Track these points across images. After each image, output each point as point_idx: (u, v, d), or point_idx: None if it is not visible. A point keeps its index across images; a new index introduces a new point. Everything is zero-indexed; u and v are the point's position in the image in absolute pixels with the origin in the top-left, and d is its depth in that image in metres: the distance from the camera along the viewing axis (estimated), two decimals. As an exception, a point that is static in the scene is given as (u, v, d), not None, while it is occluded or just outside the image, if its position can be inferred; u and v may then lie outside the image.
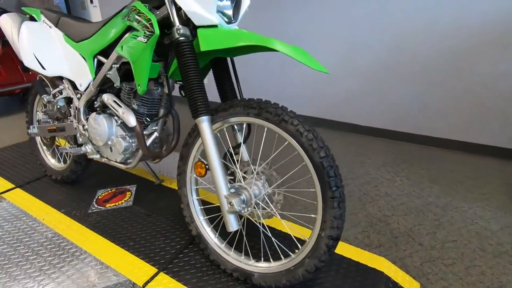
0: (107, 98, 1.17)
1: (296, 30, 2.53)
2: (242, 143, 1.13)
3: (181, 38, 0.93)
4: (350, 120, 2.57)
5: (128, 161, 1.27)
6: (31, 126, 1.57)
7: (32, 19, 1.45)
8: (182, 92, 1.19)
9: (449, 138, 2.23)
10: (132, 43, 1.01)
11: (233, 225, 0.94)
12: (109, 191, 1.62)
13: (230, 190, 0.99)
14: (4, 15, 1.42)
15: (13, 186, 1.69)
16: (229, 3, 0.97)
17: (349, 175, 1.94)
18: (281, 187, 1.04)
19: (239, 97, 1.14)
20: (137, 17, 0.99)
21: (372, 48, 2.29)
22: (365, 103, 2.46)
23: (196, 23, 0.93)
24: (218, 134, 1.10)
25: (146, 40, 0.97)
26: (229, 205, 0.93)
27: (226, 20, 0.97)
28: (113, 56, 1.11)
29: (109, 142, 1.22)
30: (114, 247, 1.23)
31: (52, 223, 1.38)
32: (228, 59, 1.12)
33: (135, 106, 1.16)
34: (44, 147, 1.71)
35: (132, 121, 1.11)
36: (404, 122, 2.36)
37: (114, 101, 1.15)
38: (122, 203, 1.52)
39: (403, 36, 2.16)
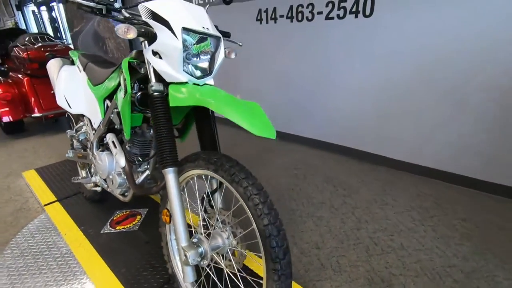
0: (109, 137, 1.30)
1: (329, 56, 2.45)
2: (209, 192, 1.13)
3: (154, 94, 1.00)
4: (380, 152, 2.36)
5: (125, 194, 1.39)
6: (69, 150, 1.84)
7: (73, 62, 1.71)
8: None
9: (505, 184, 1.87)
10: (119, 95, 1.12)
11: (188, 277, 0.95)
12: (124, 213, 1.79)
13: (193, 240, 1.01)
14: (51, 60, 1.71)
15: (55, 199, 1.98)
16: (205, 57, 1.00)
17: (364, 217, 1.77)
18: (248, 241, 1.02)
19: (218, 148, 1.16)
20: (121, 74, 1.10)
21: (407, 70, 2.08)
22: (399, 134, 2.23)
23: (167, 80, 0.99)
24: (192, 181, 1.13)
25: (124, 95, 1.07)
26: (184, 257, 0.94)
27: (199, 74, 1.01)
28: (113, 102, 1.24)
29: (110, 177, 1.36)
30: (109, 273, 1.34)
31: (70, 239, 1.58)
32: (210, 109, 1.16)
33: (128, 147, 1.27)
34: (79, 168, 1.97)
35: (121, 162, 1.22)
36: (449, 161, 2.06)
37: (113, 142, 1.28)
38: (130, 226, 1.66)
39: (431, 63, 1.91)
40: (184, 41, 0.92)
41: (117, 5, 0.96)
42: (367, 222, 1.73)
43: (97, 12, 0.96)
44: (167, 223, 1.09)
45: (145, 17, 0.94)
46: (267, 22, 2.70)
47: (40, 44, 3.36)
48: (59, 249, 1.51)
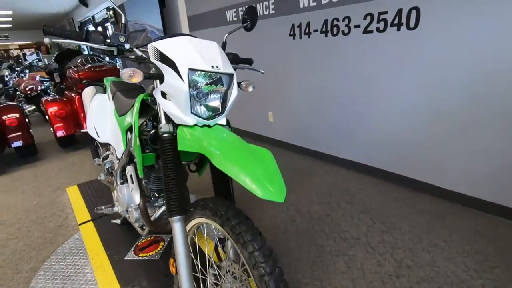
0: (128, 170, 1.30)
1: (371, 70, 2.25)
2: (218, 240, 1.04)
3: (164, 135, 0.95)
4: (427, 179, 2.07)
5: (143, 227, 1.37)
6: (101, 173, 1.90)
7: (105, 90, 1.78)
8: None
9: None
10: (133, 134, 1.10)
11: None
12: (148, 238, 1.79)
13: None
14: (86, 89, 1.79)
15: (89, 218, 2.07)
16: (216, 96, 0.93)
17: (405, 260, 1.54)
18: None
19: (232, 194, 1.08)
20: (134, 111, 1.08)
21: (458, 90, 1.80)
22: (450, 159, 1.93)
23: (176, 122, 0.93)
24: (202, 227, 1.06)
25: (134, 136, 1.04)
26: None
27: (209, 115, 0.93)
28: (132, 135, 1.23)
29: (129, 209, 1.35)
30: (125, 306, 1.33)
31: (96, 264, 1.61)
32: None
33: (144, 183, 1.24)
34: (112, 192, 2.04)
35: (136, 199, 1.19)
36: None
37: (131, 176, 1.27)
38: (152, 254, 1.64)
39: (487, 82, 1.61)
40: (192, 82, 0.86)
41: (127, 45, 0.94)
42: (409, 267, 1.50)
43: (109, 54, 0.95)
44: (173, 273, 1.03)
45: (153, 58, 0.90)
46: (300, 37, 2.58)
47: (89, 65, 3.64)
48: (85, 275, 1.54)
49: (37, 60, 7.27)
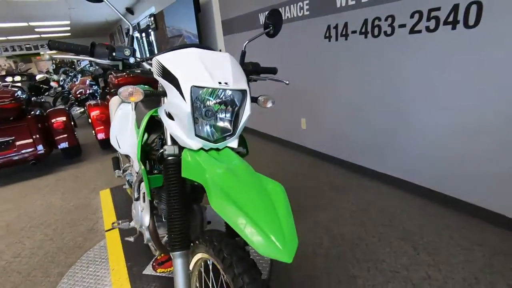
0: (142, 187, 1.24)
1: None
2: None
3: (169, 158, 0.85)
4: (486, 204, 1.74)
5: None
6: (126, 182, 1.90)
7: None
8: None
9: None
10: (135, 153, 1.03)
11: None
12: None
13: None
14: (113, 98, 1.79)
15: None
16: (226, 115, 0.81)
17: (457, 307, 1.28)
18: None
19: None
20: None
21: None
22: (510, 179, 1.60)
23: (180, 144, 0.83)
24: (209, 261, 0.94)
25: (137, 154, 0.96)
26: None
27: (218, 136, 0.82)
28: (134, 154, 1.17)
29: (142, 227, 1.29)
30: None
31: (115, 277, 1.59)
32: None
33: (155, 203, 1.17)
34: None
35: (145, 220, 1.12)
36: None
37: (143, 194, 1.20)
38: (169, 271, 1.58)
39: None
40: (196, 101, 0.75)
41: (132, 59, 0.86)
42: (461, 315, 1.24)
43: (115, 69, 0.88)
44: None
45: (156, 74, 0.81)
46: (336, 39, 2.38)
47: (128, 71, 3.78)
48: (103, 287, 1.53)
49: (88, 65, 7.85)
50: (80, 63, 8.95)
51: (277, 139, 3.51)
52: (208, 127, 0.79)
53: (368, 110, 2.30)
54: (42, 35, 12.59)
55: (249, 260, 0.72)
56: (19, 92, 3.47)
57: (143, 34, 8.65)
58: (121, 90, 0.74)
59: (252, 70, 1.07)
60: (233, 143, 0.85)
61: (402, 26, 1.90)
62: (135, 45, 9.90)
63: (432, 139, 1.93)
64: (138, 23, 8.73)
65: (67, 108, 3.88)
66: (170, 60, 0.79)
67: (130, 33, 0.89)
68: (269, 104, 0.99)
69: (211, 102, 0.77)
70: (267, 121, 3.59)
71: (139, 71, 0.88)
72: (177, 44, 4.73)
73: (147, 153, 1.06)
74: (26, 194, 2.97)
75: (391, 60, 2.03)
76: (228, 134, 0.83)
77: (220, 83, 0.76)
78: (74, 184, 3.07)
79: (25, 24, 9.39)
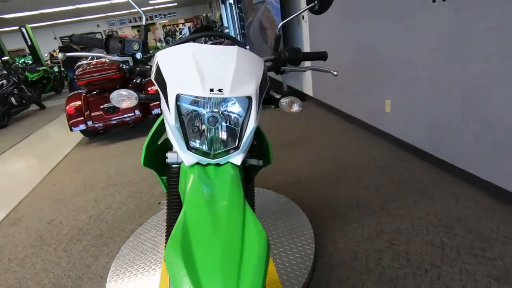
0: None
1: None
2: None
3: (172, 166, 0.78)
4: None
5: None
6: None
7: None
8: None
9: None
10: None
11: None
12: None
13: None
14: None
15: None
16: (223, 128, 0.67)
17: None
18: None
19: None
20: None
21: None
22: None
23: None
24: None
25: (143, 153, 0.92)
26: None
27: (219, 150, 0.69)
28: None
29: None
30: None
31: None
32: None
33: None
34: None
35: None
36: None
37: None
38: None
39: None
40: (183, 111, 0.63)
41: (139, 55, 0.78)
42: None
43: (127, 65, 0.82)
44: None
45: (152, 74, 0.71)
46: None
47: (210, 42, 3.86)
48: (156, 254, 1.69)
49: (186, 34, 8.47)
50: (182, 31, 9.74)
51: (354, 120, 3.09)
52: (204, 139, 0.67)
53: (478, 98, 1.71)
54: (155, 6, 14.16)
55: None
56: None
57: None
58: (113, 94, 0.67)
59: (287, 59, 0.86)
60: (236, 159, 0.70)
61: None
62: (224, 17, 10.00)
63: None
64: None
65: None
66: (165, 58, 0.68)
67: (143, 22, 0.80)
68: (295, 108, 0.78)
69: (202, 113, 0.63)
70: (344, 97, 3.17)
71: (148, 66, 0.80)
72: (261, 11, 4.52)
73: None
74: (125, 152, 3.53)
75: (528, 27, 1.39)
76: (232, 147, 0.69)
77: (212, 90, 0.61)
78: (159, 148, 3.47)
79: (141, -2, 10.66)
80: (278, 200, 1.97)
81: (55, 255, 1.89)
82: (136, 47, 0.79)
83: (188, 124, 0.65)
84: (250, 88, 0.65)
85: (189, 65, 0.65)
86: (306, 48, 3.80)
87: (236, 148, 0.69)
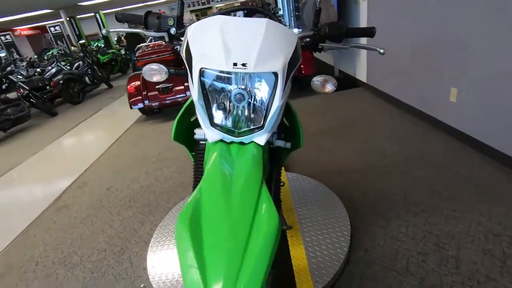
0: None
1: None
2: None
3: (200, 143, 0.79)
4: None
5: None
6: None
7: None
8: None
9: None
10: None
11: None
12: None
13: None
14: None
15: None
16: (245, 105, 0.65)
17: None
18: None
19: None
20: None
21: None
22: None
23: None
24: None
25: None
26: None
27: (244, 129, 0.67)
28: None
29: None
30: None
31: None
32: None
33: None
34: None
35: None
36: None
37: None
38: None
39: None
40: (206, 86, 0.62)
41: (173, 30, 0.78)
42: None
43: (164, 41, 0.84)
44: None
45: (182, 48, 0.71)
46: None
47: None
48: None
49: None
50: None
51: (410, 109, 2.80)
52: (228, 117, 0.65)
53: None
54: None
55: None
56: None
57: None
58: (144, 68, 0.69)
59: (326, 35, 0.78)
60: (260, 138, 0.67)
61: None
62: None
63: None
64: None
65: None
66: (194, 32, 0.66)
67: (179, -3, 0.80)
68: (329, 88, 0.72)
69: (228, 89, 0.61)
70: (402, 84, 2.87)
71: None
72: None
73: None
74: (176, 131, 3.75)
75: None
76: (257, 127, 0.66)
77: (235, 64, 0.58)
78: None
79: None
80: (317, 188, 1.91)
81: (110, 218, 2.12)
82: (171, 22, 0.80)
83: (213, 100, 0.64)
84: (277, 64, 0.61)
85: (215, 38, 0.63)
86: (363, 30, 3.51)
87: (261, 128, 0.67)
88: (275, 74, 0.62)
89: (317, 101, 3.75)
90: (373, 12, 3.23)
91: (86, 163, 3.21)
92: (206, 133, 0.69)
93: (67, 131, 4.59)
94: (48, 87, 5.87)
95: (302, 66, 3.90)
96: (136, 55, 3.95)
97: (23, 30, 14.12)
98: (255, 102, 0.64)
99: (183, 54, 0.71)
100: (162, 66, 0.72)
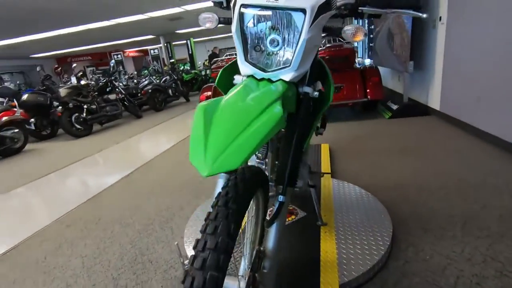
0: None
1: None
2: None
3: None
4: None
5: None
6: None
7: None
8: None
9: None
10: None
11: None
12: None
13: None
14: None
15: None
16: (279, 41, 0.72)
17: None
18: None
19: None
20: None
21: None
22: None
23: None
24: None
25: None
26: None
27: (274, 67, 0.74)
28: None
29: None
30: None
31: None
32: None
33: None
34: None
35: None
36: None
37: None
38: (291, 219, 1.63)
39: None
40: (246, 21, 0.72)
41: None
42: None
43: (222, 7, 0.97)
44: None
45: None
46: None
47: (328, 45, 3.90)
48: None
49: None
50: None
51: (487, 136, 2.45)
52: (260, 53, 0.74)
53: None
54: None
55: None
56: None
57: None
58: (200, 16, 0.83)
59: (367, 0, 0.82)
60: (287, 75, 0.73)
61: None
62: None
63: None
64: None
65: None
66: None
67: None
68: (361, 36, 0.74)
69: (263, 32, 0.70)
70: (482, 110, 2.56)
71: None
72: (391, 18, 4.22)
73: None
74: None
75: None
76: (286, 66, 0.73)
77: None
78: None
79: None
80: (362, 196, 1.81)
81: (164, 196, 2.34)
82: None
83: (249, 38, 0.74)
84: (307, 1, 0.68)
85: None
86: (439, 58, 3.31)
87: (288, 66, 0.73)
88: (304, 11, 0.68)
89: (383, 126, 3.59)
90: (452, 36, 3.04)
91: (155, 153, 3.63)
92: (241, 67, 0.78)
93: (146, 129, 5.28)
94: (139, 95, 6.92)
95: (368, 90, 3.79)
96: (212, 67, 4.42)
97: (131, 52, 17.08)
98: (286, 46, 0.72)
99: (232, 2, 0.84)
100: (214, 14, 0.86)
